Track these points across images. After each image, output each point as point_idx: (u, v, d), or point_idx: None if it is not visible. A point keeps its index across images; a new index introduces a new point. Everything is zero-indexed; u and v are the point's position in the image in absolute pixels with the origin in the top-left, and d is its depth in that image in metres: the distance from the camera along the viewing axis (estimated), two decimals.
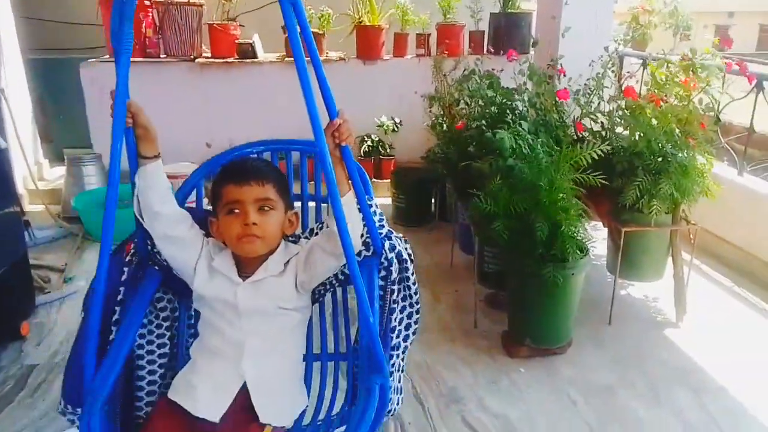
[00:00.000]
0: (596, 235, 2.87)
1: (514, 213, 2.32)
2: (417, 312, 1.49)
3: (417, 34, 4.65)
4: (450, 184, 3.49)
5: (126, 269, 1.45)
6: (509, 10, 4.57)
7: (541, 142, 2.47)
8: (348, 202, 1.26)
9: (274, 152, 1.68)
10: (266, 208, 1.39)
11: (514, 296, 2.52)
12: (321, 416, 1.54)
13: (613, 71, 3.37)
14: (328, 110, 1.20)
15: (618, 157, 2.61)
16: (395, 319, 1.42)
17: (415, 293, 1.47)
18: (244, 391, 1.34)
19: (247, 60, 4.35)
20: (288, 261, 1.44)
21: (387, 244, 1.40)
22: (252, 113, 4.35)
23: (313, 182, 1.71)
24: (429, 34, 4.63)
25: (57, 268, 3.28)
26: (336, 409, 1.56)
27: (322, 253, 1.37)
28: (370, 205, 1.36)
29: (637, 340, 2.62)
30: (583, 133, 2.98)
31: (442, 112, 3.53)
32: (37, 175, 4.30)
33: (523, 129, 2.52)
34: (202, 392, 1.34)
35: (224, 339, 1.38)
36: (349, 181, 1.27)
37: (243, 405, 1.34)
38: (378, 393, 1.20)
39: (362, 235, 1.36)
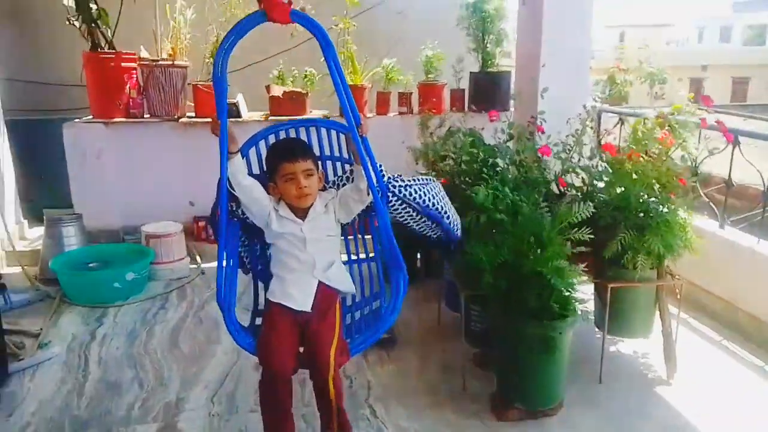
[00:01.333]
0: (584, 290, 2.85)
1: (501, 270, 2.30)
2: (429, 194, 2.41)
3: (399, 92, 4.74)
4: None
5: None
6: (489, 70, 4.69)
7: (522, 197, 2.47)
8: (360, 170, 2.09)
9: (308, 128, 2.46)
10: (310, 174, 2.11)
11: (502, 356, 2.47)
12: (366, 294, 2.43)
13: (591, 128, 3.44)
14: (354, 118, 1.99)
15: (600, 212, 2.63)
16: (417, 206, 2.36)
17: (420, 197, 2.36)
18: (319, 289, 2.11)
19: (231, 119, 4.37)
20: (326, 204, 2.19)
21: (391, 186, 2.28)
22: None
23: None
24: (411, 93, 4.72)
25: (32, 333, 3.17)
26: (368, 291, 2.44)
27: (353, 200, 2.17)
28: (380, 166, 2.19)
29: (629, 398, 2.56)
30: (565, 189, 3.01)
31: (426, 170, 3.56)
32: (17, 235, 4.23)
33: (500, 184, 2.54)
34: (296, 295, 2.09)
35: (299, 260, 2.12)
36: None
37: (321, 297, 2.10)
38: (401, 281, 2.14)
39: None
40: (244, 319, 2.23)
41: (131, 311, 3.49)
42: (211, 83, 4.38)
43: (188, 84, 4.45)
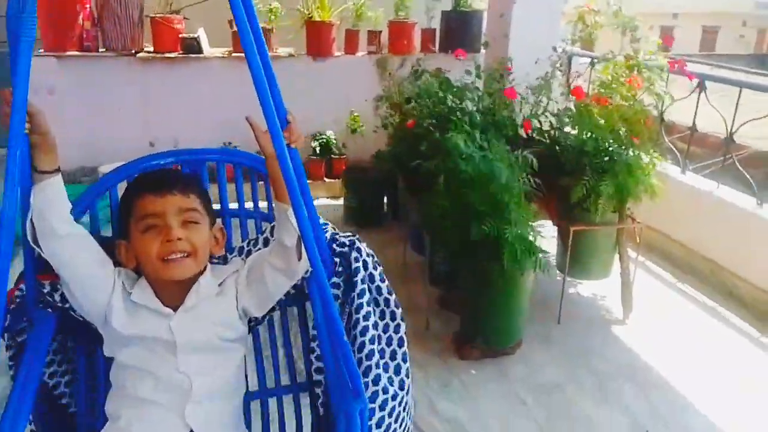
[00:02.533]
0: (545, 233, 2.89)
1: (464, 214, 2.30)
2: (397, 322, 1.29)
3: (369, 31, 4.59)
4: (402, 183, 3.46)
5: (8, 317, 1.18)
6: (461, 8, 4.57)
7: (490, 141, 2.45)
8: (294, 213, 1.08)
9: (185, 164, 1.41)
10: (191, 221, 1.19)
11: (464, 297, 2.50)
12: None
13: (561, 71, 3.40)
14: (276, 110, 1.06)
15: (566, 156, 2.63)
16: (367, 337, 1.21)
17: (388, 302, 1.30)
18: None
19: (192, 55, 4.19)
20: (223, 281, 1.25)
21: (338, 250, 1.26)
22: (197, 111, 4.20)
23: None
24: (380, 32, 4.58)
25: None
26: None
27: (273, 271, 1.20)
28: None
29: (586, 338, 2.64)
30: (531, 132, 3.00)
31: (391, 112, 3.49)
32: None
33: (470, 129, 2.51)
34: None
35: (158, 385, 1.16)
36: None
37: None
38: (359, 421, 1.06)
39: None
40: None
41: None
42: (171, 16, 4.20)
43: (146, 16, 4.23)
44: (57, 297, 1.21)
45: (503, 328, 2.43)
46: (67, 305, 1.21)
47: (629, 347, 2.58)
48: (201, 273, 1.23)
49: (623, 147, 2.59)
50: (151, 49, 4.24)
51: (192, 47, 4.17)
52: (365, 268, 1.27)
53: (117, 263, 1.23)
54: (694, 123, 3.29)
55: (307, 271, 1.23)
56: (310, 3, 4.36)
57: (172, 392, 1.16)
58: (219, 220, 1.35)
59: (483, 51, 4.20)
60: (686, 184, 3.33)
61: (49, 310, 1.21)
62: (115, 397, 1.20)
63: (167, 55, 4.16)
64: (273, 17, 4.29)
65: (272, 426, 1.39)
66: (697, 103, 3.21)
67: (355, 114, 4.22)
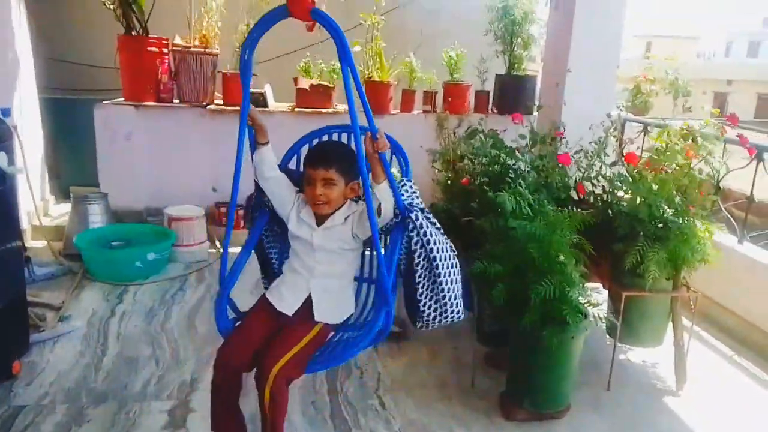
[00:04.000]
0: (597, 298, 2.87)
1: (515, 274, 2.33)
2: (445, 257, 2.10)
3: (424, 91, 4.77)
4: (452, 239, 3.51)
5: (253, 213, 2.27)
6: (514, 73, 4.71)
7: (542, 201, 2.50)
8: (384, 188, 1.95)
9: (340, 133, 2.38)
10: (329, 184, 2.02)
11: (513, 357, 2.50)
12: (361, 319, 2.23)
13: (614, 136, 3.44)
14: (370, 127, 1.88)
15: (619, 221, 2.64)
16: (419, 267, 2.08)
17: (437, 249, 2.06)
18: (310, 298, 2.06)
19: (258, 108, 4.43)
20: (348, 216, 2.09)
21: (413, 215, 2.03)
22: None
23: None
24: (436, 92, 4.75)
25: (54, 306, 3.26)
26: (369, 315, 2.23)
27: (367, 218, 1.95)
28: (411, 187, 2.12)
29: (636, 407, 2.58)
30: (585, 196, 3.02)
31: (445, 168, 3.59)
32: (42, 210, 4.33)
33: (523, 188, 2.56)
34: (285, 296, 2.08)
35: (302, 264, 2.09)
36: (385, 174, 1.94)
37: (309, 307, 2.05)
38: (383, 315, 1.96)
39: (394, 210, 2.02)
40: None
41: (151, 290, 3.57)
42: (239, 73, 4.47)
43: (218, 72, 4.52)
44: (269, 204, 2.20)
45: (552, 391, 2.41)
46: (273, 208, 2.20)
47: (682, 420, 2.50)
48: (340, 208, 2.09)
49: (678, 214, 2.59)
50: (221, 101, 4.51)
51: (258, 101, 4.42)
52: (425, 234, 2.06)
53: (301, 190, 2.15)
54: (752, 193, 3.26)
55: (388, 222, 2.06)
56: (370, 64, 4.58)
57: (308, 270, 2.09)
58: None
59: (536, 114, 4.28)
60: (743, 254, 3.27)
61: (266, 209, 2.23)
62: (287, 263, 2.19)
63: (235, 107, 4.42)
64: (335, 77, 4.53)
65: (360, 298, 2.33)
66: (755, 173, 3.18)
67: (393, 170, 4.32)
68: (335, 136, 2.38)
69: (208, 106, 4.43)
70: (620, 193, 2.86)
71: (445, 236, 2.14)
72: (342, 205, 2.09)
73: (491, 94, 4.80)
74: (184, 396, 2.51)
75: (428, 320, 2.15)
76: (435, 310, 2.13)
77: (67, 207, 4.27)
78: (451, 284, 2.11)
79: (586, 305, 2.35)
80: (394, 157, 2.28)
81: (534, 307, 2.26)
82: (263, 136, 2.08)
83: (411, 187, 2.13)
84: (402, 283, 2.18)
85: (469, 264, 2.81)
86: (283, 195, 2.14)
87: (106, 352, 2.84)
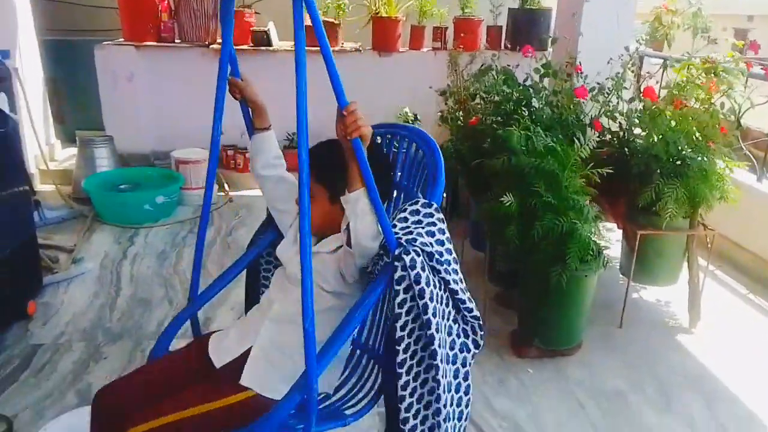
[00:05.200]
0: (610, 237, 2.83)
1: (527, 213, 2.28)
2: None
3: (434, 27, 4.60)
4: (463, 179, 3.45)
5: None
6: (528, 6, 4.51)
7: (555, 139, 2.42)
8: (356, 198, 1.26)
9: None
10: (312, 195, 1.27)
11: (525, 296, 2.49)
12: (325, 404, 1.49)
13: (632, 71, 3.31)
14: (337, 100, 1.19)
15: (635, 159, 2.57)
16: (401, 329, 1.27)
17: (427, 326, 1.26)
18: (250, 351, 1.40)
19: (262, 48, 4.32)
20: (338, 247, 1.41)
21: (408, 257, 1.25)
22: (265, 101, 4.32)
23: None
24: (446, 28, 4.58)
25: (66, 248, 3.27)
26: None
27: (345, 249, 1.36)
28: (432, 215, 1.33)
29: (649, 344, 2.58)
30: (600, 133, 2.94)
31: (456, 107, 3.49)
32: (48, 155, 4.30)
33: (536, 126, 2.48)
34: (228, 340, 1.47)
35: (268, 296, 1.51)
36: (361, 178, 1.24)
37: (240, 364, 1.38)
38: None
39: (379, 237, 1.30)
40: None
41: (161, 233, 3.57)
42: (242, 10, 4.32)
43: (219, 9, 4.37)
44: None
45: (563, 329, 2.40)
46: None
47: (695, 357, 2.50)
48: (334, 233, 1.45)
49: (697, 151, 2.51)
50: None
51: (262, 40, 4.29)
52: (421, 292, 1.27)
53: None
54: None
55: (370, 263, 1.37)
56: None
57: (267, 307, 1.47)
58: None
59: (551, 49, 4.13)
60: (762, 192, 3.19)
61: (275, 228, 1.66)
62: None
63: (238, 47, 4.29)
64: (340, 12, 4.36)
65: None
66: None
67: (405, 109, 4.22)
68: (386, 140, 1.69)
69: (211, 46, 4.31)
70: (637, 131, 2.78)
71: (470, 314, 1.36)
72: (337, 231, 1.43)
73: (504, 29, 4.62)
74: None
75: None
76: (422, 422, 1.31)
77: (73, 151, 4.23)
78: (453, 395, 1.34)
79: (598, 244, 2.32)
80: (420, 158, 1.55)
81: (544, 245, 2.23)
82: (261, 118, 1.56)
83: (430, 214, 1.33)
84: (373, 363, 1.51)
85: (480, 204, 2.77)
86: (280, 202, 1.59)
87: (120, 293, 2.86)
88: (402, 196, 1.64)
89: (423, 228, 1.32)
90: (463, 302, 1.33)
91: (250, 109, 1.56)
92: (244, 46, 4.31)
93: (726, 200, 2.50)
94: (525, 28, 4.47)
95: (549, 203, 2.23)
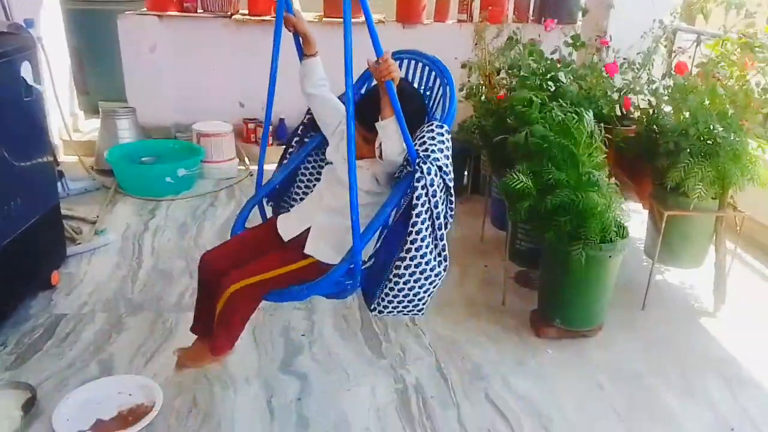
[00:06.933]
0: (634, 217, 2.77)
1: (548, 189, 2.23)
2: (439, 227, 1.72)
3: None
4: (485, 156, 3.41)
5: (299, 130, 2.11)
6: None
7: (575, 114, 2.35)
8: (387, 125, 1.67)
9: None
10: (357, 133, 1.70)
11: (546, 275, 2.45)
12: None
13: (665, 46, 3.21)
14: (375, 51, 1.53)
15: (664, 137, 2.49)
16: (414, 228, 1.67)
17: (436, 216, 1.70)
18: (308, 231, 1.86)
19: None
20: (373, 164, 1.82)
21: (425, 166, 1.65)
22: (287, 73, 4.27)
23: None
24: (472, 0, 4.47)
25: (89, 220, 3.31)
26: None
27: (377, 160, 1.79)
28: (441, 134, 1.73)
29: (671, 327, 2.54)
30: (629, 111, 2.86)
31: (480, 82, 3.42)
32: (72, 126, 4.33)
33: (560, 99, 2.42)
34: (291, 221, 1.94)
35: (319, 192, 1.94)
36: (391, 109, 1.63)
37: (302, 240, 1.85)
38: (344, 266, 1.69)
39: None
40: None
41: (182, 206, 3.59)
42: None
43: None
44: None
45: (585, 310, 2.37)
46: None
47: (719, 341, 2.46)
48: (368, 154, 1.82)
49: (729, 130, 2.43)
50: (246, 11, 4.33)
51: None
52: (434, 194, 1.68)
53: None
54: None
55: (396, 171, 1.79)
56: None
57: (319, 200, 1.91)
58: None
59: (580, 22, 4.01)
60: None
61: (314, 133, 2.09)
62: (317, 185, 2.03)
63: (261, 18, 4.24)
64: None
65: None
66: None
67: None
68: (405, 64, 2.03)
69: (233, 16, 4.26)
70: (667, 108, 2.69)
71: (452, 214, 1.79)
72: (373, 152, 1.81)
73: (532, 1, 4.50)
74: None
75: (389, 303, 1.78)
76: (409, 288, 1.75)
77: (97, 122, 4.25)
78: (428, 274, 1.73)
79: (624, 225, 2.27)
80: (437, 83, 1.95)
81: (563, 222, 2.18)
82: (309, 46, 1.88)
83: (441, 134, 1.74)
84: (381, 242, 1.83)
85: (502, 181, 2.73)
86: (325, 116, 1.97)
87: (142, 265, 2.89)
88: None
89: (436, 146, 1.71)
90: (452, 194, 1.77)
91: (301, 39, 1.87)
92: (267, 17, 4.25)
93: (756, 182, 2.41)
94: (554, 0, 4.35)
95: (565, 179, 2.19)
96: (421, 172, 1.65)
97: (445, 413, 2.01)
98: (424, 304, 1.82)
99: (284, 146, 2.15)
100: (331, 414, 1.99)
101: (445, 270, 1.77)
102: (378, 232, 1.80)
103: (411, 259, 1.68)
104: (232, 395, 2.05)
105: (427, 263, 1.71)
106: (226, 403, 2.02)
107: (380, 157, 1.73)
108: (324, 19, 4.26)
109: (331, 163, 1.93)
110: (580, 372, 2.24)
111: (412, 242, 1.67)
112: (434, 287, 1.79)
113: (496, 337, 2.42)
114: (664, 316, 2.61)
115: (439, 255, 1.75)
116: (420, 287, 1.74)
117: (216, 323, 1.81)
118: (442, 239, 1.74)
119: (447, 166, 1.72)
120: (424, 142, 1.72)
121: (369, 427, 1.94)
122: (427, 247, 1.69)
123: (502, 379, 2.18)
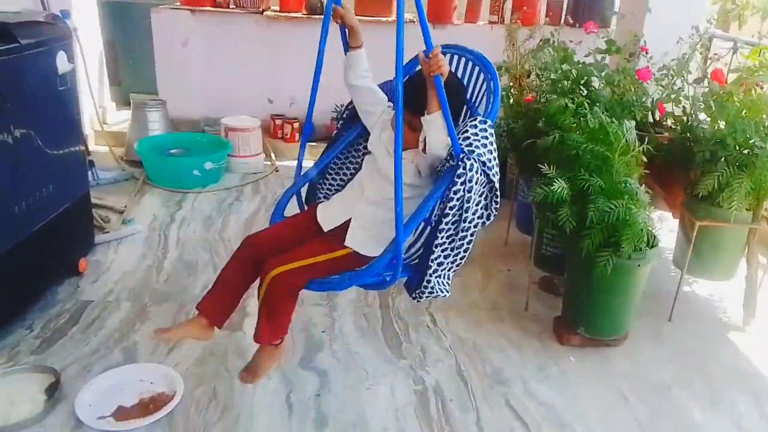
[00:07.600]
0: (663, 226, 2.72)
1: (579, 196, 2.20)
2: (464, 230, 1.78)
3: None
4: (512, 159, 3.37)
5: (339, 122, 2.19)
6: None
7: (613, 119, 2.31)
8: (433, 120, 1.70)
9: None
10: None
11: (571, 282, 2.41)
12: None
13: (701, 52, 3.14)
14: (425, 45, 1.60)
15: (699, 145, 2.44)
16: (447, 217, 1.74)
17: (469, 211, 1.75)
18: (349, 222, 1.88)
19: (316, 16, 4.27)
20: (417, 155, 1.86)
21: (468, 162, 1.69)
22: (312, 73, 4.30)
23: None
24: (504, 0, 4.43)
25: (117, 209, 3.36)
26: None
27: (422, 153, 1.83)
28: (485, 130, 1.77)
29: (699, 339, 2.48)
30: (662, 117, 2.81)
31: (511, 84, 3.38)
32: (102, 117, 4.40)
33: (593, 105, 2.38)
34: (331, 211, 1.96)
35: (361, 184, 1.95)
36: (438, 103, 1.65)
37: (346, 230, 1.87)
38: (387, 256, 1.70)
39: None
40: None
41: (208, 199, 3.63)
42: None
43: None
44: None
45: (610, 319, 2.33)
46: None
47: (746, 355, 2.40)
48: (413, 146, 1.85)
49: (767, 140, 2.36)
50: (278, 8, 4.36)
51: (315, 8, 4.23)
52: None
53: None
54: None
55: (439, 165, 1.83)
56: None
57: (361, 191, 1.93)
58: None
59: (614, 26, 3.95)
60: None
61: (352, 126, 2.13)
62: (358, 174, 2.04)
63: (292, 15, 4.26)
64: None
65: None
66: None
67: None
68: (447, 58, 1.97)
69: (264, 13, 4.29)
70: (702, 116, 2.64)
71: (494, 207, 1.83)
72: (416, 144, 1.86)
73: (565, 3, 4.44)
74: (241, 301, 2.56)
75: (426, 289, 1.83)
76: (437, 276, 1.83)
77: (127, 114, 4.32)
78: (452, 258, 1.83)
79: (653, 234, 2.22)
80: (480, 78, 1.99)
81: (598, 231, 2.14)
82: (355, 38, 1.90)
83: (485, 129, 1.77)
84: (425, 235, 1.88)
85: (530, 185, 2.70)
86: (368, 106, 1.99)
87: (167, 256, 2.92)
88: (465, 109, 2.02)
89: (479, 141, 1.74)
90: (497, 189, 1.80)
91: (347, 31, 1.90)
92: (298, 14, 4.28)
93: None
94: (588, 3, 4.29)
95: (600, 186, 2.15)
96: (464, 168, 1.69)
97: (464, 417, 1.99)
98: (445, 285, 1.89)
99: (316, 142, 2.18)
100: (350, 412, 1.99)
101: (462, 259, 1.86)
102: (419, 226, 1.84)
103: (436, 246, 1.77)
104: (251, 389, 2.05)
105: (446, 257, 1.80)
106: (246, 396, 2.02)
107: (424, 150, 1.78)
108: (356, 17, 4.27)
109: (371, 153, 1.95)
110: (603, 381, 2.20)
111: (439, 231, 1.74)
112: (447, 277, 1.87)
113: (518, 343, 2.39)
114: (692, 327, 2.55)
115: (460, 247, 1.82)
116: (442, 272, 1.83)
117: (260, 308, 1.85)
118: (465, 231, 1.79)
119: (490, 161, 1.76)
120: (468, 137, 1.75)
121: (387, 427, 1.93)
122: (449, 239, 1.77)
123: (523, 384, 2.16)
